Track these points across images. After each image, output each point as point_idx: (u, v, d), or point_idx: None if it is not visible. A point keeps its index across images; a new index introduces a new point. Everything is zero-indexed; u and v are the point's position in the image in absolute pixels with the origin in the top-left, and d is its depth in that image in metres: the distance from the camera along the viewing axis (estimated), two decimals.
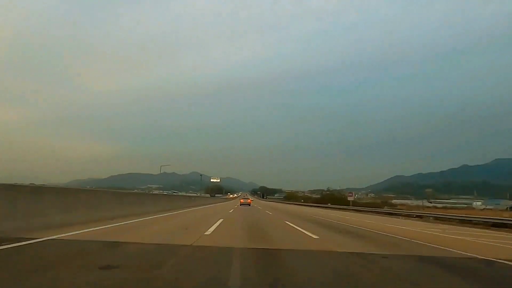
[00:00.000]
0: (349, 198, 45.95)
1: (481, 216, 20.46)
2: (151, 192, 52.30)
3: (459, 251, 6.57)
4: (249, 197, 78.80)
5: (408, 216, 24.89)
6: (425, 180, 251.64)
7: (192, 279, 3.34)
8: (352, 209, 34.80)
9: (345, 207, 38.93)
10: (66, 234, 5.65)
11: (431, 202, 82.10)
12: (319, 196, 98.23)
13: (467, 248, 7.08)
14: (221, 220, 11.23)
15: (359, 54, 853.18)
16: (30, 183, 12.43)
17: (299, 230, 9.39)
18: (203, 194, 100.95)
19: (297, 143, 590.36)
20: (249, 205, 38.16)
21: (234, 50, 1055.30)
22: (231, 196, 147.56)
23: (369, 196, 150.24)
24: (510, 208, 48.26)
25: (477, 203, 77.47)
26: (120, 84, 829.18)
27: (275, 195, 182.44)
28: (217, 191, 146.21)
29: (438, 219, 21.46)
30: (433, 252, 6.35)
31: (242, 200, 41.56)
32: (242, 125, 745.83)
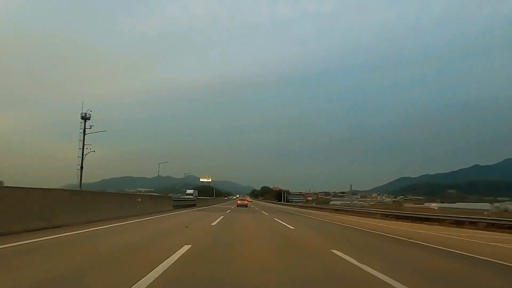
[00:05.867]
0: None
1: None
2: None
3: None
4: (247, 198, 79.65)
5: None
6: (432, 181, 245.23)
7: None
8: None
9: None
10: None
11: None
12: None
13: None
14: None
15: (359, 55, 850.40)
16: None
17: None
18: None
19: (296, 145, 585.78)
20: (246, 206, 39.45)
21: (231, 52, 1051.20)
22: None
23: (385, 199, 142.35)
24: None
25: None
26: (115, 87, 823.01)
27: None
28: (206, 193, 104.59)
29: None
30: None
31: (239, 202, 43.65)
32: (240, 127, 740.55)
